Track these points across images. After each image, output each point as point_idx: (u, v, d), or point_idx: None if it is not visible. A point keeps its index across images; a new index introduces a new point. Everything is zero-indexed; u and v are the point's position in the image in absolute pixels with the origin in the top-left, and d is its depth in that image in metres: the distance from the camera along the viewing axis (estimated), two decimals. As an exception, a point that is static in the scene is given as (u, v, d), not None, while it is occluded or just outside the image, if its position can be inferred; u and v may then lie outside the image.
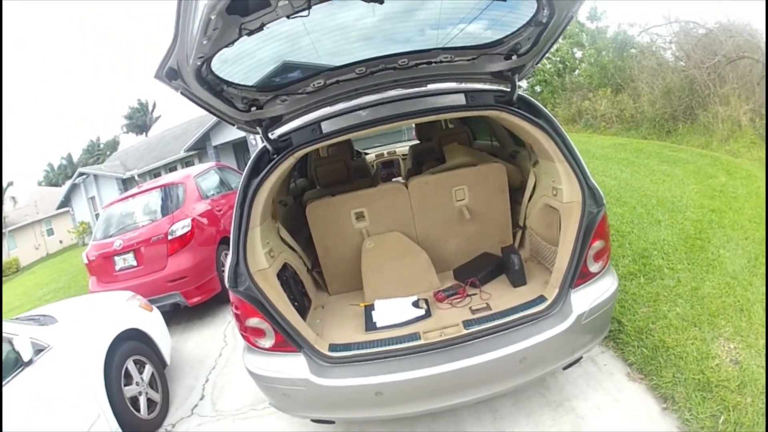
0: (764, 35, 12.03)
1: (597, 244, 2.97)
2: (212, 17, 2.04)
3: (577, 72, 23.53)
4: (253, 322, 2.92)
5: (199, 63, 2.40)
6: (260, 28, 2.28)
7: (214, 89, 2.69)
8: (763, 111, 11.36)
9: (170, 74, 2.35)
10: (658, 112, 14.82)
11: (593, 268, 3.01)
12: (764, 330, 3.72)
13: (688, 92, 13.82)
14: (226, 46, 2.35)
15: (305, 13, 2.22)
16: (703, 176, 8.33)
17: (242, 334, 3.09)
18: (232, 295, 3.01)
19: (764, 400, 3.07)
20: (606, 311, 3.05)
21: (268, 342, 2.95)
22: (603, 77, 19.79)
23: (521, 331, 2.86)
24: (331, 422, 3.16)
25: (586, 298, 2.94)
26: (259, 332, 2.95)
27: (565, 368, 3.16)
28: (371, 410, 2.94)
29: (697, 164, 9.36)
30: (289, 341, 2.92)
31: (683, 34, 15.07)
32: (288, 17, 2.24)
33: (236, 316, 3.03)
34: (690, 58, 14.08)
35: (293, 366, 2.89)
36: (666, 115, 14.50)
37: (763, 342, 3.60)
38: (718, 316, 4.02)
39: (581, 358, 3.15)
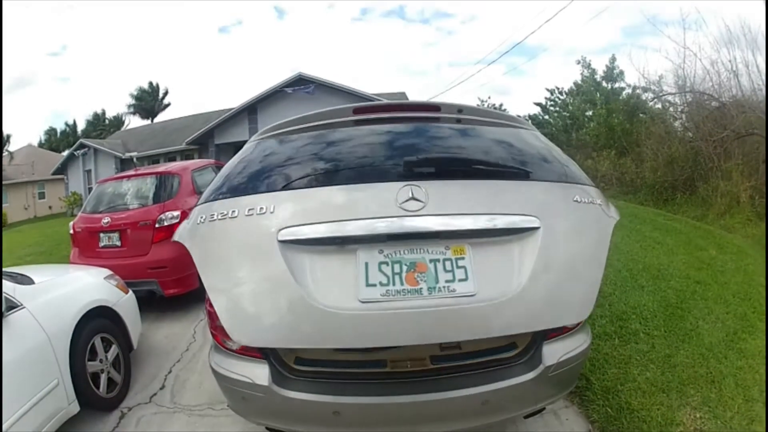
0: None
1: None
2: None
3: (584, 130, 23.76)
4: None
5: None
6: None
7: None
8: (764, 189, 11.45)
9: None
10: (658, 180, 14.95)
11: None
12: (733, 403, 3.74)
13: (691, 163, 13.96)
14: None
15: None
16: (693, 247, 8.41)
17: (212, 332, 3.04)
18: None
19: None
20: (575, 366, 3.02)
21: (235, 344, 2.93)
22: (609, 138, 20.05)
23: (487, 374, 2.80)
24: None
25: (556, 351, 2.88)
26: None
27: (526, 417, 3.13)
28: (327, 428, 2.90)
29: (689, 235, 9.47)
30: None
31: (696, 105, 15.23)
32: None
33: (209, 313, 2.99)
34: (699, 130, 14.23)
35: (256, 372, 2.82)
36: (666, 183, 14.63)
37: (730, 414, 3.62)
38: (688, 385, 4.03)
39: (544, 409, 3.12)
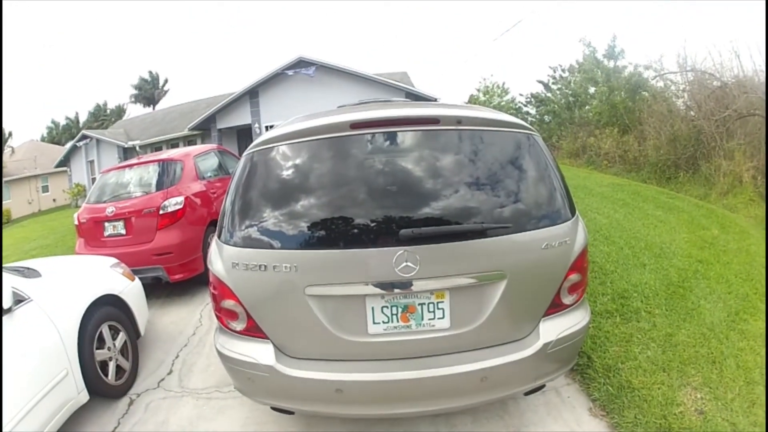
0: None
1: (573, 277, 3.00)
2: None
3: (587, 108, 23.65)
4: (228, 304, 2.96)
5: None
6: None
7: None
8: (766, 170, 11.41)
9: None
10: (661, 158, 14.93)
11: (566, 300, 3.03)
12: (734, 385, 3.74)
13: (693, 142, 13.92)
14: None
15: None
16: (695, 226, 8.39)
17: (216, 315, 3.13)
18: (211, 275, 3.05)
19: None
20: (574, 344, 3.08)
21: (240, 325, 2.99)
22: (612, 116, 19.94)
23: (486, 350, 2.92)
24: (291, 413, 3.20)
25: (554, 328, 2.98)
26: (233, 315, 2.98)
27: (526, 394, 3.18)
28: (330, 406, 2.98)
29: (691, 214, 9.43)
30: (260, 327, 2.97)
31: (697, 84, 15.15)
32: None
33: (213, 296, 3.07)
34: (701, 109, 14.16)
35: (261, 352, 2.94)
36: (669, 161, 14.60)
37: (731, 396, 3.62)
38: (688, 365, 4.04)
39: (544, 386, 3.17)
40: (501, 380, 2.95)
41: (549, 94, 28.13)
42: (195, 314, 6.47)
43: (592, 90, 23.74)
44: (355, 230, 2.82)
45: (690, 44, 22.61)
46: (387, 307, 2.87)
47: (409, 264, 2.73)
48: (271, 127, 3.39)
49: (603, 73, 22.42)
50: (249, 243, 2.93)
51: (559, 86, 27.31)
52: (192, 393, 4.49)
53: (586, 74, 23.88)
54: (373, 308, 2.86)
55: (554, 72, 27.92)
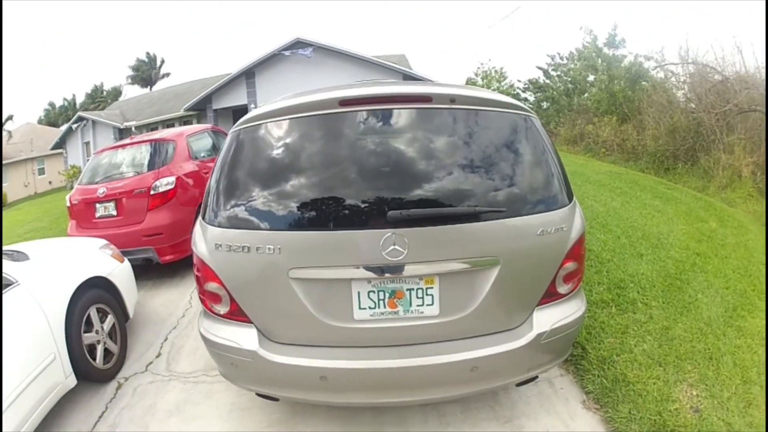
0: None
1: (569, 265, 2.93)
2: None
3: (586, 95, 23.57)
4: (212, 286, 2.90)
5: None
6: None
7: None
8: (766, 166, 11.37)
9: None
10: (660, 148, 14.84)
11: (561, 289, 2.97)
12: (731, 384, 3.68)
13: (693, 134, 13.83)
14: None
15: None
16: (693, 218, 8.31)
17: (200, 297, 3.07)
18: (195, 257, 2.98)
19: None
20: (568, 334, 3.02)
21: (223, 308, 2.93)
22: (611, 105, 19.82)
23: (476, 339, 2.85)
24: (276, 399, 3.15)
25: (549, 318, 2.91)
26: (216, 297, 2.92)
27: (518, 385, 3.12)
28: (315, 394, 2.94)
29: (690, 206, 9.35)
30: (244, 311, 2.91)
31: (698, 77, 15.07)
32: None
33: (197, 278, 3.01)
34: (701, 102, 14.06)
35: (244, 336, 2.88)
36: (667, 152, 14.51)
37: (727, 395, 3.56)
38: (685, 360, 3.98)
39: (537, 377, 3.12)
40: (492, 370, 2.89)
41: (548, 81, 28.03)
42: (185, 296, 6.43)
43: (591, 78, 23.66)
44: (341, 211, 2.74)
45: (692, 38, 22.55)
46: (373, 292, 2.80)
47: (396, 247, 2.65)
48: (266, 106, 3.27)
49: (603, 62, 22.32)
50: (232, 223, 2.85)
51: (558, 73, 27.21)
52: (179, 377, 4.44)
53: (586, 62, 23.80)
54: (359, 293, 2.79)
55: (552, 60, 27.84)
